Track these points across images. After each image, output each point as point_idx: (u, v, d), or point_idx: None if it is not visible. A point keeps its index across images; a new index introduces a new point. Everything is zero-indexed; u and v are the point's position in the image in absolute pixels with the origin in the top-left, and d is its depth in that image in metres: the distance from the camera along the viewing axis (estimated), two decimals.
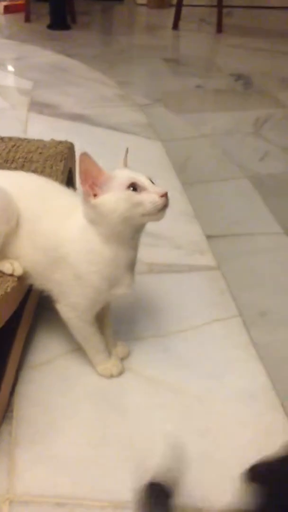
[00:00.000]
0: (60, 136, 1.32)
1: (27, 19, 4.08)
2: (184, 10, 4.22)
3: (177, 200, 1.41)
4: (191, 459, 0.80)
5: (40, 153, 1.18)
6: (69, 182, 1.23)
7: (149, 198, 0.80)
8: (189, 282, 1.16)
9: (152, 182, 0.84)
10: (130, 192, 0.80)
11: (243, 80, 3.31)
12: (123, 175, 0.83)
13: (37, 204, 0.90)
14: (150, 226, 1.34)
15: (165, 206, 0.82)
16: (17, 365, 0.92)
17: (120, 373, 0.94)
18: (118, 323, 1.01)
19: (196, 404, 0.87)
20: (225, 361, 0.96)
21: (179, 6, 4.15)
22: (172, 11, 4.24)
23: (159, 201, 0.80)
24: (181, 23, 4.27)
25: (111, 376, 0.94)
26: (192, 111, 2.84)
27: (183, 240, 1.26)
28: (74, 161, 1.28)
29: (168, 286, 1.14)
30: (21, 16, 4.10)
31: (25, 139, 1.25)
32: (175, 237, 1.28)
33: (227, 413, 0.86)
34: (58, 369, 0.94)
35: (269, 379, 0.94)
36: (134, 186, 0.81)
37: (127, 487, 0.76)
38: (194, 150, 2.34)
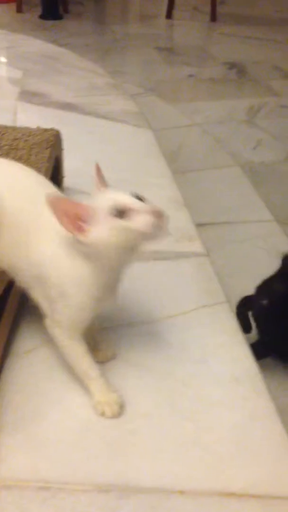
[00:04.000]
0: (50, 125, 1.32)
1: (19, 10, 4.04)
2: None
3: (167, 188, 1.41)
4: (177, 442, 0.80)
5: (26, 140, 1.17)
6: (56, 170, 1.22)
7: (141, 219, 0.71)
8: (177, 269, 1.15)
9: (140, 199, 0.75)
10: (117, 220, 0.71)
11: (237, 68, 3.29)
12: (104, 202, 0.74)
13: (24, 211, 0.82)
14: None
15: (162, 222, 0.72)
16: (3, 353, 0.92)
17: (115, 415, 0.82)
18: (106, 310, 1.00)
19: (182, 388, 0.87)
20: (212, 346, 0.96)
21: None
22: (165, 0, 4.20)
23: (151, 219, 0.71)
24: (175, 12, 4.24)
25: (102, 415, 0.82)
26: (185, 100, 2.83)
27: (171, 227, 1.25)
28: (61, 149, 1.27)
29: (156, 273, 1.14)
30: (12, 6, 4.06)
31: (11, 126, 1.24)
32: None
33: (212, 397, 0.86)
34: (44, 356, 0.94)
35: (254, 363, 0.94)
36: (119, 212, 0.72)
37: (110, 471, 0.76)
38: (186, 139, 2.34)
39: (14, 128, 1.24)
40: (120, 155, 1.51)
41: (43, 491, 0.72)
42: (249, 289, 1.39)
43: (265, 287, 1.15)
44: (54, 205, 0.72)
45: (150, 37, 3.86)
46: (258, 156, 2.36)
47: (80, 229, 0.74)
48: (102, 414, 0.83)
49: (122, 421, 0.83)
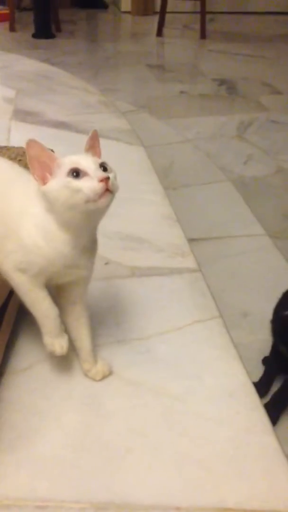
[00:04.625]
0: (43, 144, 1.33)
1: (12, 29, 4.10)
2: (168, 17, 4.26)
3: (159, 204, 1.43)
4: (172, 459, 0.81)
5: (20, 160, 1.19)
6: None
7: (87, 183, 0.77)
8: (171, 285, 1.17)
9: (105, 167, 0.81)
10: (69, 179, 0.77)
11: (227, 85, 3.35)
12: (68, 160, 0.80)
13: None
14: (132, 230, 1.36)
15: (106, 191, 0.78)
16: None
17: (63, 353, 0.88)
18: (100, 327, 1.02)
19: (175, 404, 0.88)
20: (206, 361, 0.97)
21: (162, 13, 4.19)
22: (156, 18, 4.28)
23: (98, 186, 0.77)
24: (165, 30, 4.31)
25: (52, 353, 0.88)
26: (176, 116, 2.87)
27: (164, 243, 1.28)
28: None
29: (150, 289, 1.16)
30: (5, 25, 4.12)
31: (5, 146, 1.26)
32: (157, 240, 1.30)
33: (206, 413, 0.87)
34: (40, 374, 0.95)
35: (249, 378, 0.95)
36: (76, 171, 0.78)
37: (107, 489, 0.76)
38: (178, 155, 2.37)
39: (8, 148, 1.26)
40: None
41: (40, 510, 0.73)
42: (243, 304, 1.41)
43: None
44: (29, 147, 0.79)
45: (141, 54, 3.92)
46: (249, 171, 2.39)
47: (42, 178, 0.80)
48: (53, 352, 0.88)
49: (117, 438, 0.84)
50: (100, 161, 0.82)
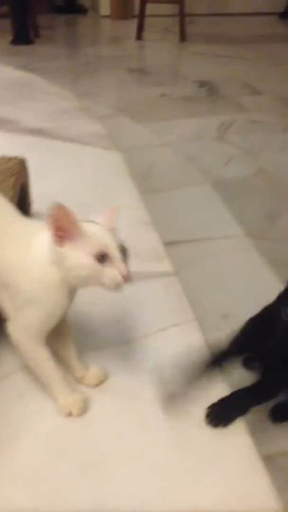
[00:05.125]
0: (19, 151, 1.33)
1: None
2: (147, 20, 4.27)
3: (134, 208, 1.43)
4: (148, 463, 0.81)
5: None
6: (22, 197, 1.23)
7: (112, 274, 0.79)
8: (146, 290, 1.17)
9: (125, 249, 0.83)
10: (95, 262, 0.78)
11: (207, 86, 3.36)
12: (95, 240, 0.80)
13: None
14: None
15: (125, 282, 0.80)
16: None
17: (82, 413, 0.88)
18: (76, 334, 1.01)
19: (152, 409, 0.88)
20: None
21: (141, 16, 4.20)
22: (135, 22, 4.29)
23: (120, 281, 0.79)
24: (145, 33, 4.32)
25: (70, 415, 0.88)
26: (156, 119, 2.87)
27: (140, 248, 1.28)
28: (27, 176, 1.28)
29: (126, 295, 1.14)
30: None
31: None
32: (132, 245, 1.29)
33: (182, 416, 0.87)
34: (16, 383, 0.94)
35: (223, 380, 0.95)
36: (102, 256, 0.79)
37: (84, 497, 0.76)
38: (157, 158, 2.37)
39: None
40: (88, 178, 1.53)
41: None
42: (222, 306, 1.41)
43: None
44: (55, 213, 0.78)
45: (121, 58, 3.93)
46: (230, 172, 2.40)
47: (60, 239, 0.79)
48: (69, 414, 0.87)
49: (94, 445, 0.83)
50: (119, 241, 0.83)
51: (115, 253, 0.80)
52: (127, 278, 0.80)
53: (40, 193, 1.31)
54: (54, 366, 0.89)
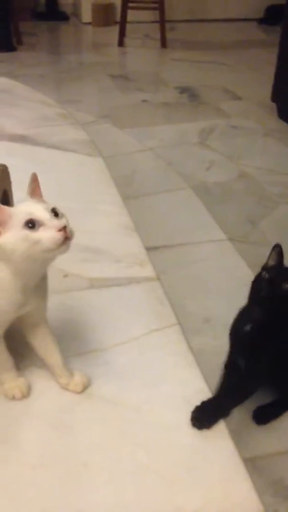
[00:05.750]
0: (1, 157, 1.33)
1: None
2: (129, 27, 4.30)
3: (117, 214, 1.44)
4: (129, 470, 0.81)
5: None
6: (5, 203, 1.23)
7: (47, 234, 0.78)
8: (129, 295, 1.18)
9: (56, 213, 0.82)
10: (26, 231, 0.78)
11: (188, 92, 3.39)
12: (20, 212, 0.81)
13: None
14: (90, 242, 1.36)
15: (66, 239, 0.79)
16: None
17: (23, 396, 0.93)
18: (60, 340, 1.01)
19: (132, 414, 0.89)
20: (164, 369, 0.98)
21: (123, 23, 4.23)
22: (117, 29, 4.31)
23: (57, 236, 0.78)
24: (126, 40, 4.35)
25: (13, 398, 0.92)
26: (138, 125, 2.89)
27: (122, 253, 1.29)
28: (9, 182, 1.29)
29: (108, 300, 1.16)
30: None
31: None
32: (115, 251, 1.31)
33: (163, 421, 0.88)
34: None
35: (206, 384, 0.96)
36: (31, 223, 0.79)
37: (64, 505, 0.76)
38: (140, 164, 2.38)
39: None
40: (70, 184, 1.54)
41: None
42: (204, 310, 1.42)
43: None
44: None
45: (103, 65, 3.95)
46: (211, 177, 2.42)
47: None
48: (13, 397, 0.92)
49: (75, 452, 0.84)
50: (50, 206, 0.83)
51: (43, 214, 0.80)
52: (65, 231, 0.79)
53: (21, 200, 1.31)
54: (7, 357, 0.92)
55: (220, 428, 0.87)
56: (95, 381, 0.95)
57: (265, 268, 1.01)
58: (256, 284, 1.00)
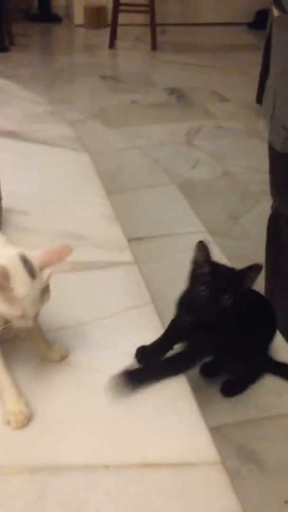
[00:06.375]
0: None
1: None
2: (120, 30, 4.40)
3: (100, 205, 1.52)
4: (102, 426, 0.90)
5: None
6: None
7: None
8: (108, 277, 1.26)
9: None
10: None
11: (177, 94, 3.49)
12: None
13: None
14: (74, 229, 1.44)
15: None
16: None
17: (18, 426, 0.87)
18: (41, 315, 1.08)
19: (107, 379, 0.96)
20: (137, 341, 1.06)
21: (114, 25, 4.33)
22: (108, 31, 4.40)
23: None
24: (118, 42, 4.44)
25: (7, 424, 0.87)
26: (127, 125, 2.98)
27: (104, 240, 1.37)
28: None
29: (88, 282, 1.24)
30: None
31: None
32: (96, 237, 1.39)
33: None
34: None
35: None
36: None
37: (41, 454, 0.84)
38: (126, 161, 2.48)
39: None
40: (56, 176, 1.62)
41: None
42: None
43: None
44: None
45: (94, 66, 4.04)
46: (196, 175, 2.52)
47: None
48: (8, 424, 0.88)
49: (55, 412, 0.92)
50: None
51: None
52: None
53: (11, 190, 1.40)
54: (3, 372, 0.91)
55: (186, 391, 0.96)
56: (73, 352, 1.03)
57: (196, 273, 1.04)
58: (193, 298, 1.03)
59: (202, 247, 1.03)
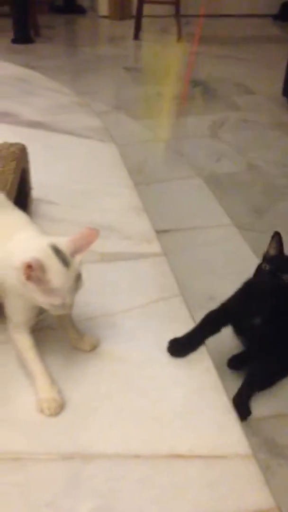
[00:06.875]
0: (18, 141, 1.43)
1: None
2: (145, 21, 4.37)
3: (128, 196, 1.53)
4: (133, 416, 0.90)
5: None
6: (23, 181, 1.32)
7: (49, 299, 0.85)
8: (136, 268, 1.26)
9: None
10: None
11: (201, 86, 3.46)
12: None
13: None
14: (102, 220, 1.45)
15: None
16: None
17: (52, 414, 0.88)
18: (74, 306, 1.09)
19: (136, 370, 0.97)
20: (166, 332, 1.06)
21: (139, 17, 4.30)
22: (133, 22, 4.38)
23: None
24: (142, 34, 4.42)
25: (41, 412, 0.89)
26: (151, 117, 2.97)
27: (132, 231, 1.38)
28: (27, 162, 1.38)
29: (117, 272, 1.25)
30: None
31: None
32: (125, 229, 1.39)
33: (164, 376, 0.97)
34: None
35: (206, 348, 1.05)
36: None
37: (74, 442, 0.85)
38: (152, 153, 2.47)
39: None
40: (84, 168, 1.63)
41: (16, 462, 0.82)
42: (209, 289, 1.50)
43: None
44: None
45: (119, 58, 4.02)
46: (221, 168, 2.50)
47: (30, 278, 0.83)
48: (41, 411, 0.89)
49: (86, 400, 0.93)
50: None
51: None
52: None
53: (40, 181, 1.41)
54: (35, 358, 0.92)
55: (216, 383, 0.96)
56: (104, 342, 1.04)
57: (265, 257, 1.07)
58: (257, 275, 1.07)
59: (277, 238, 1.06)
